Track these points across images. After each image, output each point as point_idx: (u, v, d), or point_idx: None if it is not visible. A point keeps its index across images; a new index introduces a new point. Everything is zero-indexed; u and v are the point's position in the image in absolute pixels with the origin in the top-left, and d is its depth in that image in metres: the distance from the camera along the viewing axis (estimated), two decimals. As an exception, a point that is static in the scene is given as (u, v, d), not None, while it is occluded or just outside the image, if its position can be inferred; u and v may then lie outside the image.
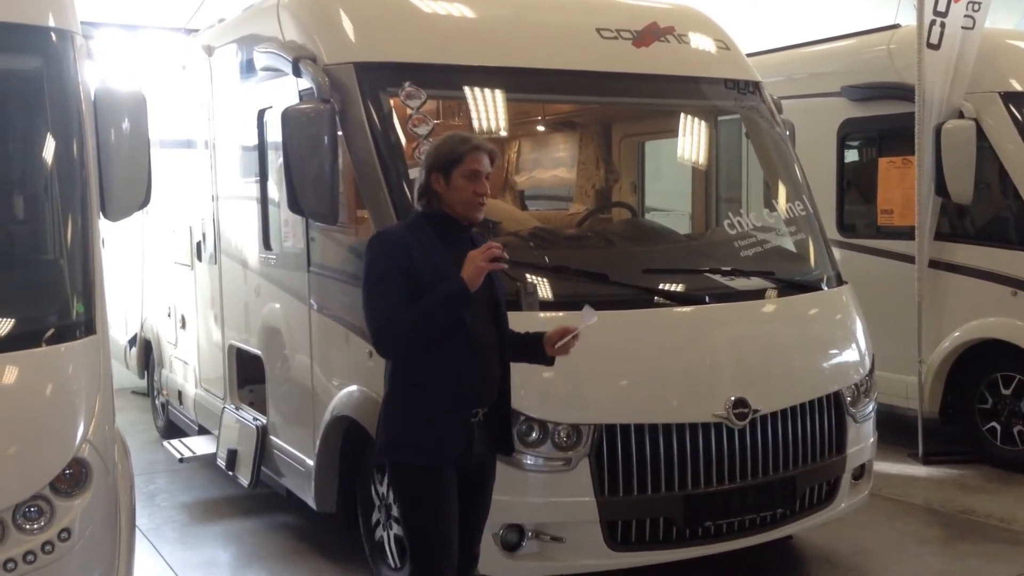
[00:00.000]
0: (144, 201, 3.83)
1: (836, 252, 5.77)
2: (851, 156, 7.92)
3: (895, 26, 7.78)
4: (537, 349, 3.61)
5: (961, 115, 6.86)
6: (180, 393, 7.28)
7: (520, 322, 3.76)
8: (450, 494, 3.47)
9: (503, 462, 3.85)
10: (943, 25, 6.81)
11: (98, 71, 3.88)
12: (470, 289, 3.28)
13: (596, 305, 4.57)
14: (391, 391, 3.51)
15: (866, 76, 7.51)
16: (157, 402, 8.13)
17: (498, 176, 7.62)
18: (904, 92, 7.02)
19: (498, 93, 5.10)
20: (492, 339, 3.52)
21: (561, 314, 4.23)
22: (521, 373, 4.27)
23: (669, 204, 7.26)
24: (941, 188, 6.82)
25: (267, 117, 5.46)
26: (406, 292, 3.31)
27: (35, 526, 3.20)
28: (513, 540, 4.27)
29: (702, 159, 6.11)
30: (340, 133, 4.51)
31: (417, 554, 3.51)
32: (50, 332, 3.46)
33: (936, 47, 6.81)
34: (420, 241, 3.40)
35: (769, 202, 5.67)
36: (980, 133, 6.78)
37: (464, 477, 3.52)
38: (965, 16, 6.90)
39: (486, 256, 3.30)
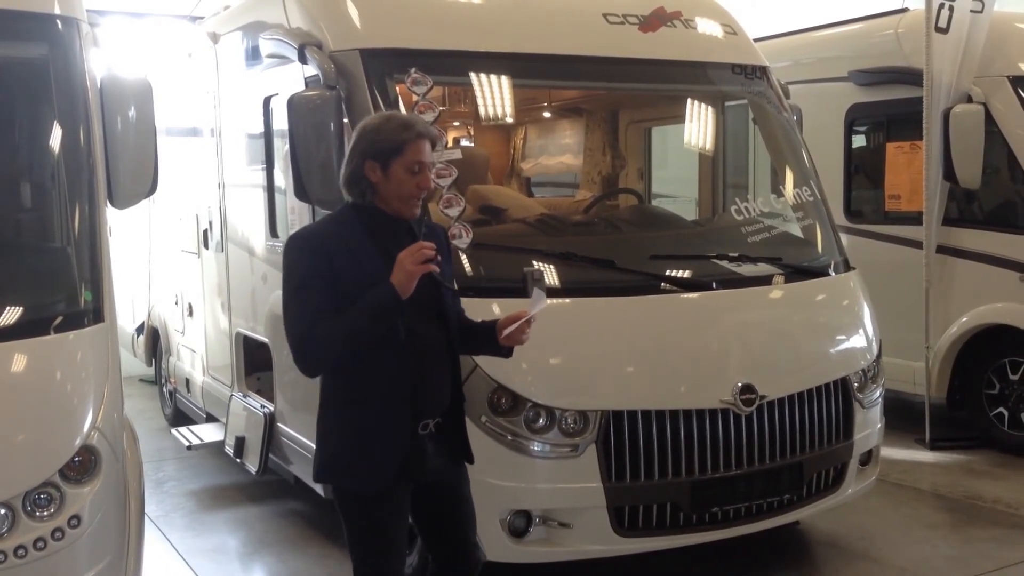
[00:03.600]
0: (151, 189, 3.84)
1: (843, 238, 5.76)
2: (859, 141, 7.89)
3: (903, 10, 7.75)
4: (490, 339, 3.23)
5: (970, 99, 6.82)
6: (188, 381, 7.30)
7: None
8: (399, 518, 3.17)
9: (506, 449, 3.83)
10: (951, 9, 6.77)
11: (104, 59, 3.88)
12: (402, 296, 2.93)
13: (604, 291, 4.59)
14: (324, 408, 3.19)
15: (874, 60, 7.47)
16: (165, 390, 8.15)
17: (504, 162, 7.63)
18: (912, 76, 6.98)
19: (504, 79, 5.09)
20: (437, 342, 3.16)
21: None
22: (529, 360, 4.28)
23: (676, 190, 7.26)
24: (949, 173, 6.80)
25: (273, 104, 5.45)
26: (327, 301, 2.95)
27: (45, 513, 3.22)
28: (520, 526, 4.28)
29: (709, 145, 6.10)
30: (346, 120, 4.51)
31: (373, 565, 3.21)
32: (58, 320, 3.47)
33: (944, 31, 6.77)
34: (345, 241, 3.02)
35: (776, 188, 5.65)
36: (989, 118, 6.75)
37: (429, 491, 3.24)
38: (974, 0, 6.86)
39: (416, 258, 2.92)
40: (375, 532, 3.17)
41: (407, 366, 3.07)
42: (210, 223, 6.54)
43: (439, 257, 2.99)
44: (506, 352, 3.33)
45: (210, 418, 6.87)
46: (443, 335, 3.20)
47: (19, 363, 3.33)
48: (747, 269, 4.93)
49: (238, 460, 6.04)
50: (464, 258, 4.39)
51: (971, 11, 6.84)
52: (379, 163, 3.06)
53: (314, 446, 3.27)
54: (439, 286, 3.16)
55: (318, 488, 5.14)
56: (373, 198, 3.10)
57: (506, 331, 3.17)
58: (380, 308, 2.95)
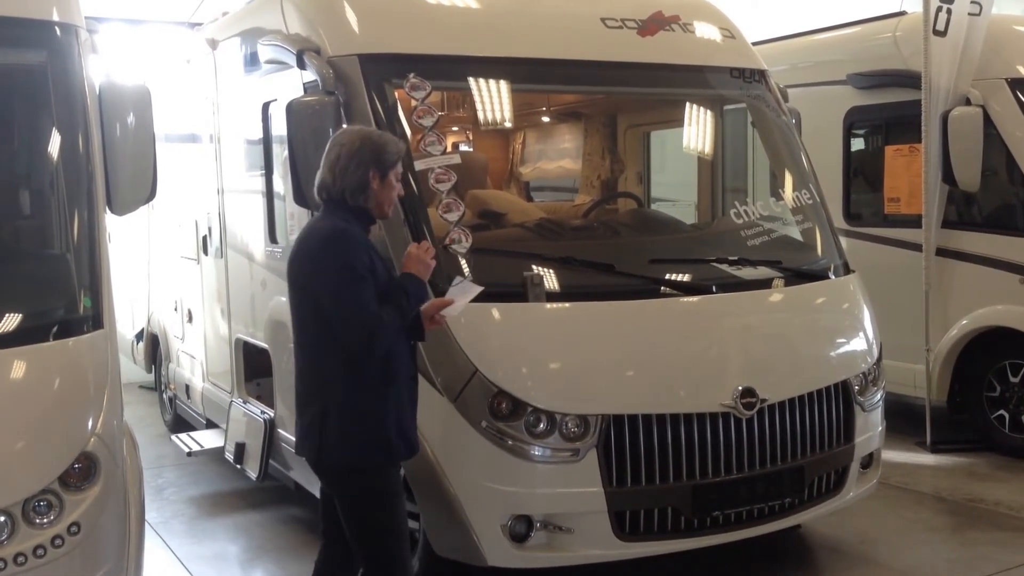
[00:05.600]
0: (150, 195, 3.84)
1: (843, 241, 5.75)
2: (857, 144, 7.90)
3: (901, 13, 7.76)
4: (415, 324, 3.64)
5: (968, 102, 6.83)
6: (187, 387, 7.29)
7: (527, 313, 3.73)
8: (403, 504, 3.64)
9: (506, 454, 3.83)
10: (949, 12, 6.78)
11: (103, 65, 3.88)
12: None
13: (603, 295, 4.59)
14: (351, 394, 3.45)
15: (872, 64, 7.48)
16: (164, 396, 8.15)
17: (503, 167, 7.63)
18: (910, 79, 6.99)
19: (503, 84, 5.09)
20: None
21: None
22: (529, 364, 4.28)
23: (675, 194, 7.26)
24: (948, 176, 6.80)
25: (272, 110, 5.45)
26: (373, 289, 3.40)
27: (45, 520, 3.22)
28: (521, 531, 4.27)
29: (708, 148, 6.10)
30: (345, 125, 4.51)
31: (390, 548, 3.52)
32: (58, 326, 3.47)
33: (942, 34, 6.78)
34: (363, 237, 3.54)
35: (775, 191, 5.65)
36: (987, 120, 6.76)
37: None
38: (971, 2, 6.87)
39: (430, 253, 3.61)
40: (399, 497, 3.57)
41: (409, 348, 3.61)
42: (209, 229, 6.54)
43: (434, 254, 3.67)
44: (421, 336, 3.72)
45: (210, 424, 6.87)
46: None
47: (19, 370, 3.33)
48: (747, 273, 4.93)
49: (238, 466, 6.03)
50: (463, 262, 4.39)
51: (969, 14, 6.85)
52: (379, 172, 3.52)
53: (324, 441, 3.46)
54: None
55: (318, 494, 5.12)
56: (368, 203, 3.55)
57: (447, 312, 3.65)
58: (416, 295, 3.52)
